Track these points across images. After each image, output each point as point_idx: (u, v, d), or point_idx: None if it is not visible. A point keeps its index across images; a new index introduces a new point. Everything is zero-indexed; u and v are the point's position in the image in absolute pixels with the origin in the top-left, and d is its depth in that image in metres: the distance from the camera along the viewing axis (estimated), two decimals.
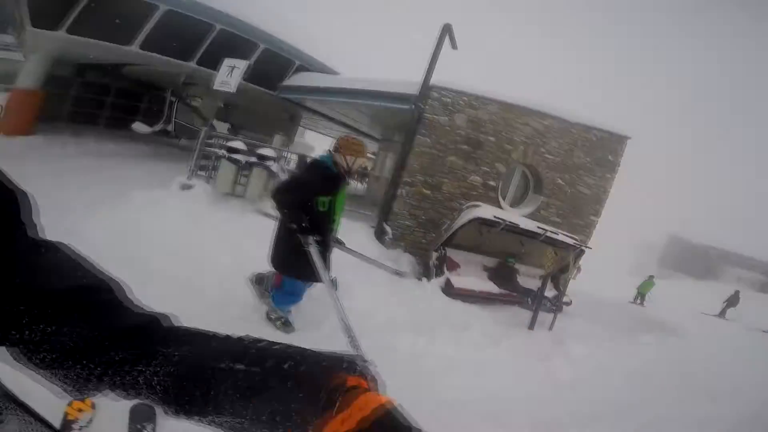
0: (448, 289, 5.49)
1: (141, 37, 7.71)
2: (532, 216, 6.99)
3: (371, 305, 4.08)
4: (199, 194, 5.09)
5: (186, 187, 5.24)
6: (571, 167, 7.10)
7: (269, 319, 3.14)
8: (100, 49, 7.74)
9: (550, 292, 5.98)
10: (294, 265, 2.87)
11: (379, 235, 6.04)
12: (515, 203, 7.31)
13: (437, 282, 5.63)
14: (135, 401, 0.42)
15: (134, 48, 7.78)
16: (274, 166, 5.05)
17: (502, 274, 6.46)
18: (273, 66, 9.26)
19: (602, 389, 3.62)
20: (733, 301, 15.17)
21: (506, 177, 6.95)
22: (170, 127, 10.05)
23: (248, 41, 8.72)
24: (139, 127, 9.49)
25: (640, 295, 14.29)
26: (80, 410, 1.55)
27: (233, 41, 8.42)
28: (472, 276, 6.16)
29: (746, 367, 6.02)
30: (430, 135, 6.05)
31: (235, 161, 4.85)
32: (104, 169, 6.57)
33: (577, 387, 3.55)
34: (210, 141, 5.80)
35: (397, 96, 6.25)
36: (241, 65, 5.55)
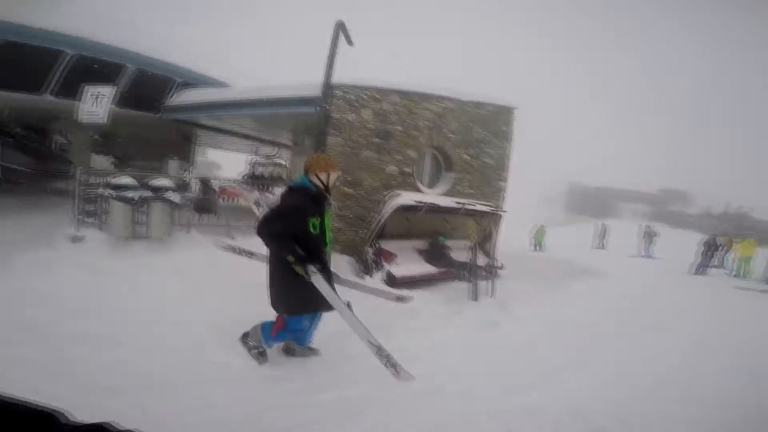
0: (391, 281, 5.63)
1: None
2: (449, 193, 7.46)
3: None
4: (94, 245, 4.49)
5: (76, 239, 4.59)
6: (472, 142, 7.71)
7: (244, 343, 2.97)
8: None
9: (482, 261, 6.43)
10: (300, 300, 2.75)
11: None
12: (431, 184, 7.71)
13: (378, 276, 5.73)
14: None
15: None
16: (174, 197, 4.64)
17: (436, 253, 6.81)
18: (150, 87, 8.42)
19: (558, 342, 3.77)
20: (602, 233, 18.58)
21: (419, 161, 7.28)
22: None
23: (113, 64, 7.79)
24: None
25: (537, 243, 16.35)
26: None
27: (96, 66, 7.45)
28: (409, 263, 6.38)
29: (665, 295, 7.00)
30: (341, 134, 6.06)
31: (127, 199, 4.35)
32: None
33: (535, 345, 3.67)
34: (91, 181, 5.11)
35: (300, 100, 6.15)
36: (107, 91, 4.96)
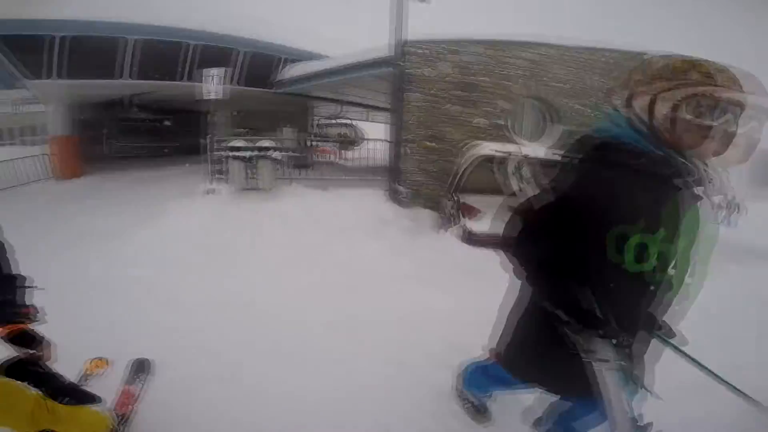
0: (468, 238, 5.30)
1: (127, 68, 8.75)
2: (558, 147, 6.98)
3: (388, 262, 4.45)
4: (221, 195, 5.91)
5: (210, 191, 6.09)
6: (586, 91, 7.00)
7: (459, 397, 2.13)
8: (98, 86, 8.89)
9: None
10: (538, 367, 1.43)
11: (393, 196, 6.46)
12: (535, 137, 7.31)
13: (455, 231, 5.82)
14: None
15: (125, 80, 8.85)
16: (275, 154, 5.70)
17: None
18: (262, 66, 10.03)
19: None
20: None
21: (516, 113, 7.00)
22: None
23: (227, 49, 9.54)
24: None
25: None
26: (98, 366, 2.23)
27: (213, 53, 9.26)
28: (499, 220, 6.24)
29: None
30: (419, 89, 6.30)
31: (240, 158, 5.56)
32: (145, 192, 7.71)
33: None
34: (220, 147, 6.58)
35: (376, 62, 6.57)
36: (220, 72, 6.23)
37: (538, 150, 6.47)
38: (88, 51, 8.32)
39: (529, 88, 6.80)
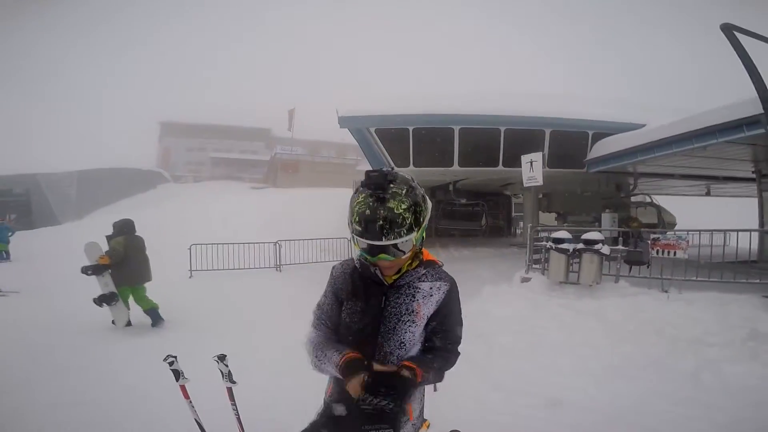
0: None
1: (456, 156, 10.02)
2: None
3: None
4: (536, 285, 5.96)
5: (525, 279, 6.25)
6: None
7: None
8: (435, 174, 10.61)
9: None
10: None
11: None
12: None
13: None
14: None
15: (455, 167, 10.22)
16: (604, 249, 5.24)
17: None
18: (567, 144, 9.76)
19: None
20: None
21: None
22: None
23: (534, 131, 9.73)
24: None
25: None
26: None
27: (521, 136, 9.64)
28: None
29: None
30: None
31: (563, 251, 5.44)
32: (463, 270, 8.78)
33: None
34: (539, 235, 6.73)
35: (737, 123, 5.43)
36: (537, 157, 6.40)
37: None
38: (429, 141, 10.06)
39: None
